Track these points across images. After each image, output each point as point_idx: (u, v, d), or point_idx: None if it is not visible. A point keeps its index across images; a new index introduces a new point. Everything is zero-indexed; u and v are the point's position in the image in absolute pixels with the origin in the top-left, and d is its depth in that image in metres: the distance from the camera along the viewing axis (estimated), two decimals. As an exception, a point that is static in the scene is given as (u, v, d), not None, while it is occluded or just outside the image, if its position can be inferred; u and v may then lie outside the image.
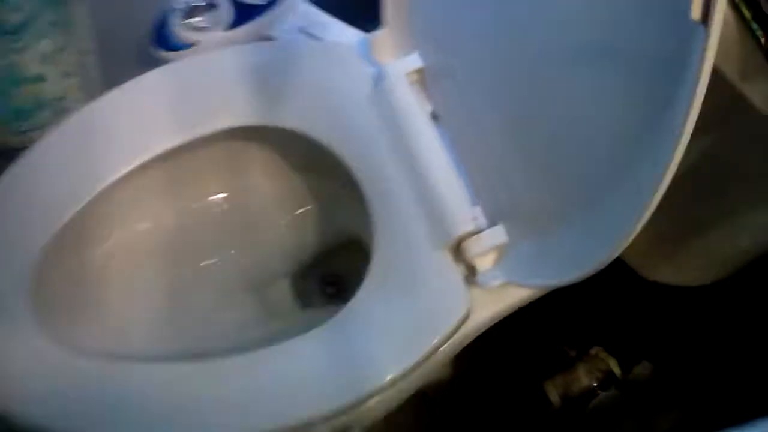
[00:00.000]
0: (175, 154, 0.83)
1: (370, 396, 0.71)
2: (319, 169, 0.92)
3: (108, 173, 0.81)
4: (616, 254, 0.60)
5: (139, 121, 0.83)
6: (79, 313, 0.84)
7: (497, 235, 0.75)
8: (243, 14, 1.00)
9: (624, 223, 0.58)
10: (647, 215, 0.56)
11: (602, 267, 0.63)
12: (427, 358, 0.73)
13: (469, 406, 1.15)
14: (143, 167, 0.82)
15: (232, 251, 0.97)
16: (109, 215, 0.86)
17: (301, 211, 0.99)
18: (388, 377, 0.71)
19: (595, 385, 1.08)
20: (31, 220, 0.78)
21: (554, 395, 1.10)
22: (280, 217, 0.99)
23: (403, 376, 0.72)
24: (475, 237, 0.76)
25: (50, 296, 0.78)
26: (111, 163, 0.81)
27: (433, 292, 0.75)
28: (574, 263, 0.66)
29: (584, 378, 1.09)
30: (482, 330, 0.78)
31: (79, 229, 0.81)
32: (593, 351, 1.12)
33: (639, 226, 0.57)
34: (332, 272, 1.00)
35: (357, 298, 0.76)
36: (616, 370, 1.10)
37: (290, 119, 0.84)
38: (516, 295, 0.76)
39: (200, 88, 0.85)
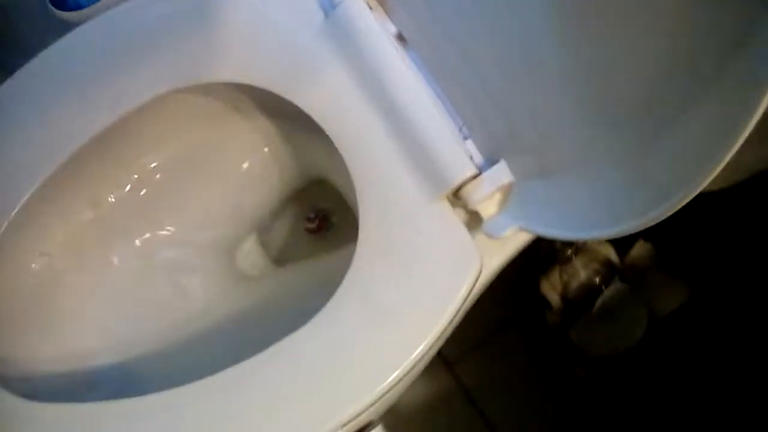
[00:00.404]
0: (109, 132, 0.71)
1: (388, 389, 0.63)
2: (277, 114, 0.80)
3: (39, 168, 0.69)
4: (674, 209, 0.50)
5: (60, 102, 0.70)
6: (27, 331, 0.74)
7: (500, 173, 0.65)
8: None
9: (691, 165, 0.48)
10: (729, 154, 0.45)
11: (653, 222, 0.52)
12: (446, 326, 0.65)
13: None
14: (78, 153, 0.70)
15: (186, 217, 0.86)
16: (46, 213, 0.74)
17: (258, 158, 0.87)
18: (407, 362, 0.63)
19: (597, 281, 1.02)
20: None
21: (553, 295, 1.04)
22: (235, 168, 0.87)
23: (424, 353, 0.64)
24: (474, 180, 0.65)
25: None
26: (37, 159, 0.69)
27: (438, 256, 0.65)
28: (608, 213, 0.56)
29: (581, 271, 1.03)
30: (494, 277, 0.70)
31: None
32: (587, 243, 1.05)
33: (712, 174, 0.46)
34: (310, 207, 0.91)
35: (352, 278, 0.66)
36: (613, 257, 1.04)
37: (230, 70, 0.71)
38: (526, 235, 0.67)
39: (123, 52, 0.71)
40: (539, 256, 0.98)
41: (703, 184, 0.47)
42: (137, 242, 0.85)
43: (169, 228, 0.85)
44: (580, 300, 1.03)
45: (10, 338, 0.73)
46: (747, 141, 0.57)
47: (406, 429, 1.07)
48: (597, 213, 0.58)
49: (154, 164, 0.83)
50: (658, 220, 0.51)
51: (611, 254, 1.04)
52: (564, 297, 1.04)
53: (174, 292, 0.85)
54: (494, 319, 1.12)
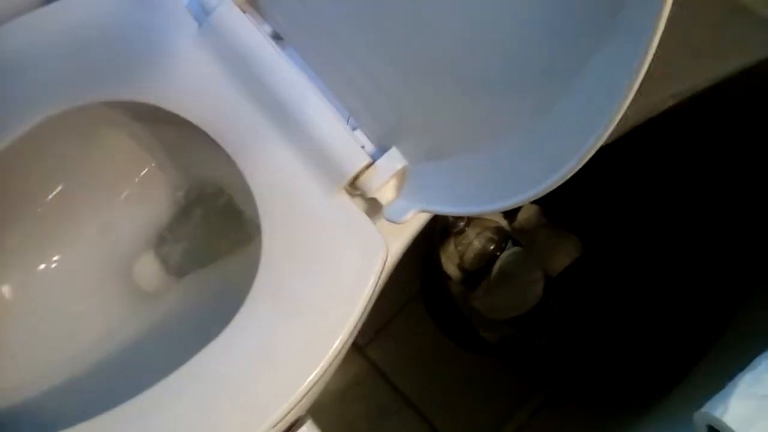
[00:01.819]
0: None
1: (314, 383, 0.64)
2: (161, 127, 0.78)
3: None
4: (563, 178, 0.53)
5: None
6: None
7: (393, 160, 0.66)
8: None
9: (579, 134, 0.50)
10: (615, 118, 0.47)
11: (543, 194, 0.55)
12: (361, 314, 0.66)
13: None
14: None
15: (77, 242, 0.83)
16: None
17: (146, 173, 0.85)
18: (329, 353, 0.64)
19: (491, 248, 1.05)
20: None
21: (451, 267, 1.07)
22: (124, 186, 0.85)
23: (343, 344, 0.65)
24: (369, 169, 0.66)
25: None
26: None
27: (344, 248, 0.66)
28: (504, 186, 0.58)
29: (475, 240, 1.06)
30: (399, 259, 0.72)
31: None
32: (476, 211, 1.08)
33: (594, 148, 0.49)
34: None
35: (261, 281, 0.66)
36: (503, 223, 1.08)
37: (113, 89, 0.70)
38: (424, 215, 0.69)
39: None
40: (435, 231, 1.01)
41: (595, 148, 0.50)
42: (31, 273, 0.82)
43: (60, 254, 0.83)
44: (478, 268, 1.06)
45: None
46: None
47: (325, 417, 1.08)
48: (492, 187, 0.59)
49: (46, 189, 0.80)
50: (554, 187, 0.54)
51: (501, 221, 1.08)
52: (462, 267, 1.07)
53: (72, 321, 0.82)
54: (398, 299, 1.14)
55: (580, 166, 0.51)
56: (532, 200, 0.56)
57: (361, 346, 1.12)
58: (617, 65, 0.47)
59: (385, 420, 1.11)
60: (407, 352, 1.13)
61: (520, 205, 0.57)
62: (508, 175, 0.58)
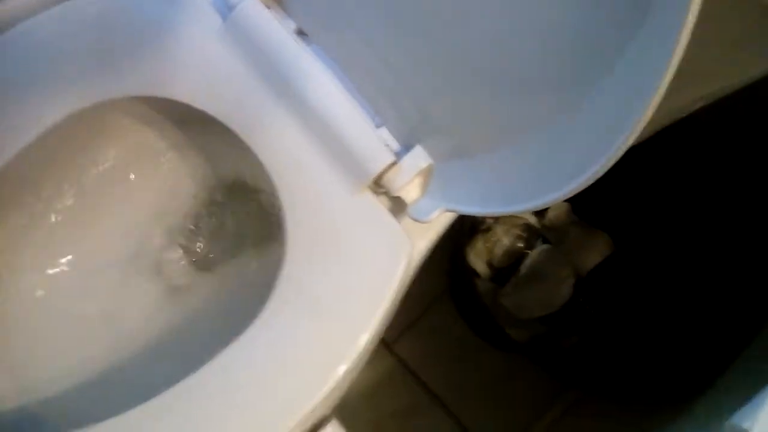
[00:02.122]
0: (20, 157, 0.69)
1: (338, 383, 0.63)
2: (186, 122, 0.79)
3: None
4: (591, 180, 0.52)
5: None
6: None
7: (418, 158, 0.66)
8: None
9: (603, 138, 0.49)
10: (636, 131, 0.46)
11: (570, 195, 0.54)
12: (386, 313, 0.65)
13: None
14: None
15: (104, 237, 0.84)
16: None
17: (170, 167, 0.85)
18: (353, 353, 0.64)
19: (521, 245, 1.04)
20: None
21: (480, 264, 1.05)
22: (148, 180, 0.85)
23: (368, 342, 0.65)
24: (394, 167, 0.66)
25: None
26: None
27: (369, 246, 0.66)
28: (532, 186, 0.57)
29: (504, 237, 1.05)
30: (424, 259, 0.71)
31: None
32: (505, 208, 1.07)
33: (623, 148, 0.48)
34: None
35: (286, 278, 0.66)
36: (533, 221, 1.07)
37: (139, 84, 0.69)
38: (450, 215, 0.69)
39: (24, 75, 0.69)
40: (463, 228, 1.00)
41: (624, 149, 0.49)
42: (58, 268, 0.82)
43: (84, 253, 0.83)
44: (507, 266, 1.05)
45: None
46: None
47: (354, 415, 1.07)
48: (519, 188, 0.58)
49: (65, 188, 0.80)
50: (582, 189, 0.53)
51: (530, 218, 1.07)
52: (491, 264, 1.06)
53: (101, 316, 0.82)
54: (426, 296, 1.14)
55: (608, 167, 0.50)
56: (556, 202, 0.55)
57: (389, 342, 1.11)
58: (646, 64, 0.46)
59: (414, 418, 1.10)
60: (436, 349, 1.13)
61: (547, 206, 0.56)
62: (535, 175, 0.57)
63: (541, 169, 0.56)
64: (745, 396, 0.45)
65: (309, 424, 0.66)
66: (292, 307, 0.65)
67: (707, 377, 0.75)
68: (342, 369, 0.63)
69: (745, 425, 0.41)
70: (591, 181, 0.52)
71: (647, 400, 0.89)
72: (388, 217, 0.67)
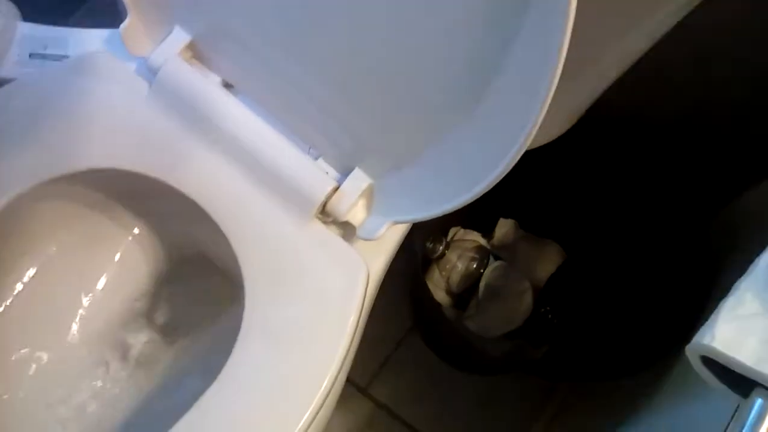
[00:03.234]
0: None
1: (316, 413, 0.64)
2: (129, 197, 0.79)
3: None
4: (511, 164, 0.55)
5: None
6: None
7: (358, 180, 0.68)
8: None
9: (512, 127, 0.53)
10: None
11: (488, 188, 0.57)
12: (352, 337, 0.66)
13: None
14: None
15: (64, 323, 0.83)
16: None
17: (124, 248, 0.86)
18: (327, 379, 0.64)
19: (475, 266, 1.06)
20: None
21: (439, 293, 1.07)
22: (104, 264, 0.85)
23: (339, 368, 0.65)
24: (337, 194, 0.68)
25: None
26: None
27: (325, 274, 0.68)
28: (460, 183, 0.59)
29: (458, 262, 1.07)
30: (382, 277, 0.72)
31: None
32: (453, 234, 1.10)
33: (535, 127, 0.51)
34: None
35: (248, 322, 0.66)
36: (482, 241, 1.09)
37: (72, 160, 0.70)
38: (399, 229, 0.71)
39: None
40: (416, 261, 1.02)
41: (539, 120, 0.52)
42: (18, 365, 0.81)
43: (49, 337, 0.82)
44: (466, 289, 1.07)
45: None
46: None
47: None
48: (453, 185, 0.61)
49: (18, 283, 0.80)
50: (508, 170, 0.55)
51: (479, 239, 1.09)
52: (450, 292, 1.07)
53: (71, 404, 0.82)
54: (393, 335, 1.15)
55: (524, 148, 0.54)
56: (491, 187, 0.57)
57: (363, 387, 1.11)
58: (535, 56, 0.49)
59: (403, 458, 1.10)
60: (412, 385, 1.13)
61: (481, 194, 0.58)
62: (463, 170, 0.60)
63: (466, 164, 0.59)
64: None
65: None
66: (258, 346, 0.65)
67: (675, 341, 0.77)
68: (317, 398, 0.64)
69: (705, 341, 0.43)
70: (513, 163, 0.55)
71: (626, 374, 0.90)
72: (340, 242, 0.68)
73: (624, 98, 0.77)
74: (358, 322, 0.67)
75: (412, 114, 0.62)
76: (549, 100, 0.50)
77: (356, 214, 0.69)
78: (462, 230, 1.10)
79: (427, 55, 0.57)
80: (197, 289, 0.90)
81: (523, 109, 0.51)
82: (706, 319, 0.45)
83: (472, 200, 0.59)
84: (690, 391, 0.69)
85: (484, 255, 1.07)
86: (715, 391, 0.47)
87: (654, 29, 0.65)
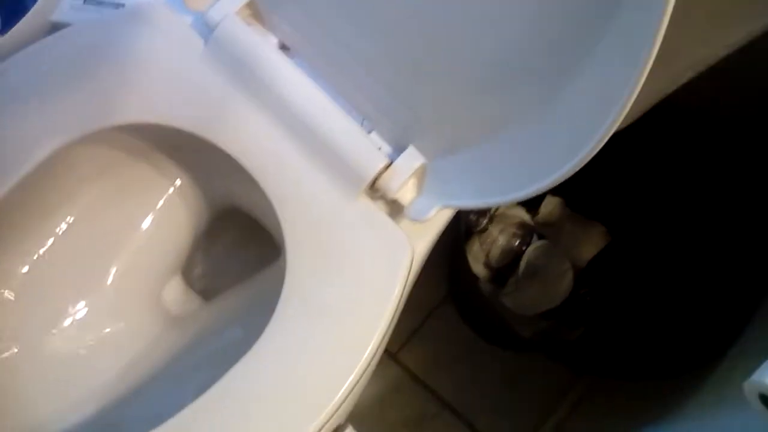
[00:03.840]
0: (6, 203, 0.68)
1: (353, 388, 0.63)
2: (175, 150, 0.78)
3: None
4: (583, 161, 0.52)
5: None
6: None
7: (412, 158, 0.66)
8: (12, 8, 0.79)
9: (597, 116, 0.49)
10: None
11: (562, 179, 0.54)
12: (392, 316, 0.65)
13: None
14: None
15: (102, 274, 0.83)
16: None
17: (165, 199, 0.85)
18: (364, 357, 0.63)
19: (517, 243, 1.04)
20: None
21: (477, 266, 1.06)
22: (143, 214, 0.84)
23: (375, 351, 0.64)
24: (388, 170, 0.66)
25: None
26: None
27: (370, 251, 0.66)
28: (521, 176, 0.57)
29: (500, 237, 1.05)
30: (426, 258, 0.71)
31: None
32: (497, 208, 1.07)
33: (618, 119, 0.48)
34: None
35: (289, 291, 0.65)
36: (527, 218, 1.07)
37: (124, 113, 0.69)
38: (447, 212, 0.69)
39: (10, 114, 0.68)
40: (459, 231, 1.00)
41: (614, 128, 0.49)
42: (60, 310, 0.81)
43: (87, 288, 0.82)
44: (505, 265, 1.05)
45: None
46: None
47: (364, 426, 1.07)
48: (512, 176, 0.59)
49: (61, 226, 0.79)
50: (574, 171, 0.53)
51: (524, 215, 1.07)
52: (488, 265, 1.06)
53: (102, 350, 0.82)
54: (427, 303, 1.14)
55: (599, 147, 0.51)
56: (553, 186, 0.55)
57: (393, 352, 1.11)
58: (628, 41, 0.46)
59: (425, 425, 1.10)
60: (441, 355, 1.12)
61: (542, 191, 0.56)
62: (527, 163, 0.58)
63: (532, 156, 0.57)
64: (759, 359, 0.45)
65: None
66: (298, 318, 0.64)
67: (717, 350, 0.75)
68: (354, 374, 0.63)
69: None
70: (582, 164, 0.52)
71: (660, 379, 0.89)
72: (387, 221, 0.67)
73: (692, 87, 0.74)
74: (398, 302, 0.66)
75: (481, 97, 0.59)
76: (638, 91, 0.47)
77: (406, 194, 0.67)
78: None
79: (511, 36, 0.54)
80: (236, 246, 0.90)
81: (606, 106, 0.48)
82: (755, 327, 0.43)
83: (528, 197, 0.57)
84: (728, 402, 0.67)
85: (527, 232, 1.05)
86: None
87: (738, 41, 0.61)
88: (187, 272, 0.87)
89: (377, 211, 0.67)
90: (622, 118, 0.48)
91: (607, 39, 0.48)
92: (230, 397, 0.62)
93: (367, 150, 0.67)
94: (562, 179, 0.54)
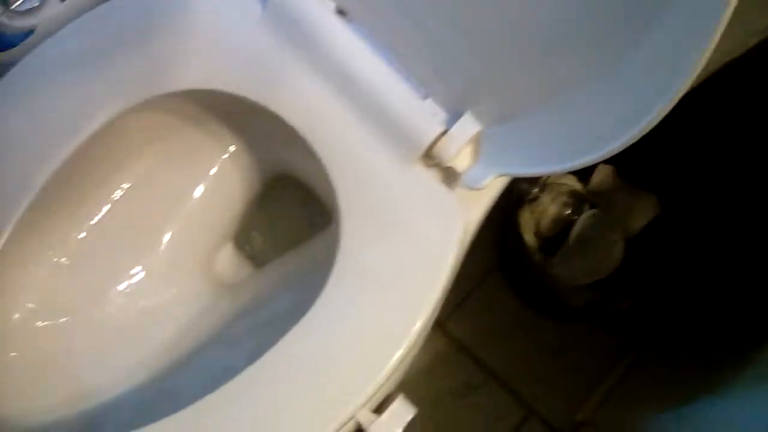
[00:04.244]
0: (66, 167, 0.69)
1: (404, 357, 0.63)
2: (229, 115, 0.79)
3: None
4: (643, 131, 0.51)
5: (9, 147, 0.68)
6: (20, 384, 0.73)
7: (467, 125, 0.65)
8: None
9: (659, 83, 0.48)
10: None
11: (624, 146, 0.53)
12: (447, 283, 0.65)
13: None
14: (37, 198, 0.68)
15: (155, 240, 0.84)
16: (17, 263, 0.72)
17: (218, 165, 0.85)
18: (418, 324, 0.63)
19: (568, 212, 1.03)
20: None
21: (527, 235, 1.05)
22: (197, 180, 0.85)
23: (429, 318, 0.64)
24: (444, 137, 0.65)
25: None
26: None
27: (424, 219, 0.66)
28: (580, 143, 0.57)
29: (551, 206, 1.04)
30: (479, 226, 0.71)
31: None
32: (548, 176, 1.06)
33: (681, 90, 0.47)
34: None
35: (344, 258, 0.65)
36: (578, 187, 1.06)
37: (183, 78, 0.69)
38: (502, 179, 0.68)
39: (68, 81, 0.69)
40: (511, 200, 0.99)
41: (678, 96, 0.48)
42: (113, 276, 0.82)
43: (140, 255, 0.83)
44: (555, 234, 1.04)
45: (3, 393, 0.71)
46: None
47: (410, 394, 1.08)
48: (571, 144, 0.58)
49: (115, 193, 0.80)
50: (636, 139, 0.52)
51: (575, 184, 1.06)
52: (539, 234, 1.05)
53: (154, 317, 0.83)
54: (475, 272, 1.14)
55: (663, 115, 0.50)
56: (613, 153, 0.54)
57: (440, 320, 1.11)
58: (698, 7, 0.45)
59: (472, 395, 1.10)
60: (488, 325, 1.12)
61: (601, 160, 0.55)
62: (586, 130, 0.57)
63: (591, 123, 0.56)
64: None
65: (377, 401, 0.66)
66: (352, 285, 0.65)
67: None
68: (407, 342, 0.63)
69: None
70: (644, 132, 0.52)
71: (708, 355, 0.88)
72: (441, 188, 0.66)
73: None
74: (452, 270, 0.66)
75: (541, 62, 0.58)
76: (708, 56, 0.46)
77: (461, 161, 0.66)
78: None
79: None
80: (288, 212, 0.90)
81: (682, 56, 0.47)
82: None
83: (587, 165, 0.56)
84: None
85: (578, 201, 1.04)
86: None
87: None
88: (238, 239, 0.87)
89: (432, 178, 0.67)
90: (687, 86, 0.47)
91: (677, 3, 0.47)
92: (286, 361, 0.63)
93: (423, 117, 0.66)
94: (623, 147, 0.53)
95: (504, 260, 1.11)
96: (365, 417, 0.63)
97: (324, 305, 0.64)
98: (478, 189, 0.64)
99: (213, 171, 0.85)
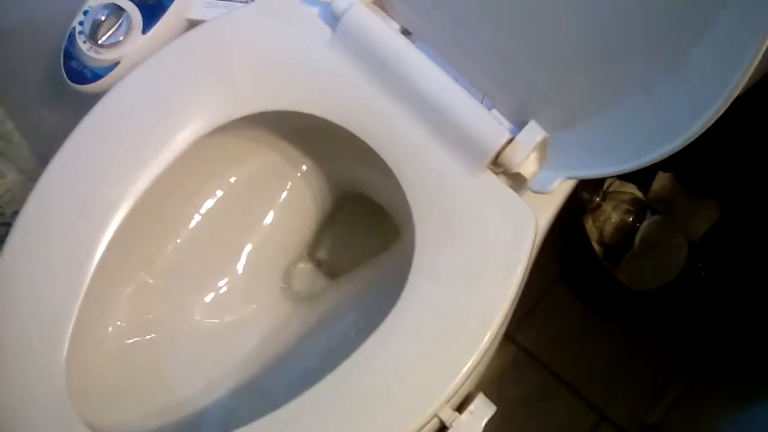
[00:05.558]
0: (151, 190, 0.73)
1: (483, 355, 0.66)
2: (300, 136, 0.83)
3: (92, 243, 0.70)
4: (709, 122, 0.54)
5: (99, 170, 0.73)
6: (114, 396, 0.77)
7: (533, 132, 0.68)
8: (152, 9, 0.85)
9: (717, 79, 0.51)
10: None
11: (686, 143, 0.56)
12: (519, 285, 0.68)
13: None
14: (126, 218, 0.72)
15: (233, 258, 0.89)
16: (108, 283, 0.76)
17: (291, 185, 0.90)
18: (494, 325, 0.66)
19: (631, 219, 1.05)
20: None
21: (593, 244, 1.07)
22: (271, 201, 0.90)
23: (505, 314, 0.67)
24: (510, 145, 0.69)
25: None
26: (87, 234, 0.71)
27: (495, 223, 0.68)
28: (643, 141, 0.59)
29: (613, 214, 1.06)
30: (549, 229, 0.73)
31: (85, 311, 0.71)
32: (609, 185, 1.08)
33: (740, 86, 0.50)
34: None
35: (419, 264, 0.68)
36: (637, 193, 1.08)
37: (258, 101, 0.73)
38: (569, 182, 0.71)
39: (152, 108, 0.74)
40: (574, 209, 1.01)
41: (737, 90, 0.51)
42: (197, 293, 0.87)
43: (220, 273, 0.88)
44: (618, 242, 1.06)
45: (100, 406, 0.74)
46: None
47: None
48: (634, 143, 0.61)
49: (197, 214, 0.85)
50: (698, 135, 0.55)
51: (635, 191, 1.08)
52: (602, 243, 1.07)
53: (234, 332, 0.87)
54: (540, 283, 1.16)
55: (722, 111, 0.53)
56: (675, 151, 0.57)
57: (509, 332, 1.13)
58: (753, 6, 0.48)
59: (543, 401, 1.12)
60: (556, 334, 1.14)
61: (665, 156, 0.58)
62: (649, 128, 0.60)
63: (654, 122, 0.59)
64: None
65: (458, 399, 0.68)
66: (429, 290, 0.67)
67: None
68: (485, 341, 0.66)
69: None
70: (704, 128, 0.54)
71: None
72: (510, 193, 0.69)
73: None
74: (524, 272, 0.68)
75: (600, 68, 0.62)
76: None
77: (528, 167, 0.69)
78: (618, 181, 1.08)
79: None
80: (359, 228, 0.94)
81: (739, 54, 0.50)
82: None
83: (651, 163, 0.59)
84: None
85: (640, 208, 1.06)
86: None
87: None
88: (312, 254, 0.91)
89: (501, 184, 0.69)
90: (744, 82, 0.50)
91: (731, 3, 0.50)
92: (371, 363, 0.66)
93: (490, 125, 0.69)
94: (684, 145, 0.56)
95: (568, 270, 1.13)
96: (447, 415, 0.66)
97: (402, 310, 0.67)
98: (547, 193, 0.67)
99: (287, 190, 0.89)
